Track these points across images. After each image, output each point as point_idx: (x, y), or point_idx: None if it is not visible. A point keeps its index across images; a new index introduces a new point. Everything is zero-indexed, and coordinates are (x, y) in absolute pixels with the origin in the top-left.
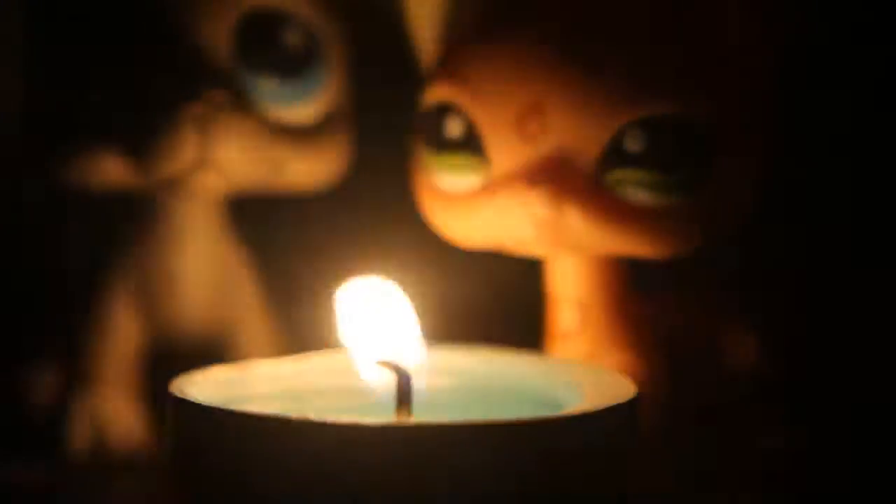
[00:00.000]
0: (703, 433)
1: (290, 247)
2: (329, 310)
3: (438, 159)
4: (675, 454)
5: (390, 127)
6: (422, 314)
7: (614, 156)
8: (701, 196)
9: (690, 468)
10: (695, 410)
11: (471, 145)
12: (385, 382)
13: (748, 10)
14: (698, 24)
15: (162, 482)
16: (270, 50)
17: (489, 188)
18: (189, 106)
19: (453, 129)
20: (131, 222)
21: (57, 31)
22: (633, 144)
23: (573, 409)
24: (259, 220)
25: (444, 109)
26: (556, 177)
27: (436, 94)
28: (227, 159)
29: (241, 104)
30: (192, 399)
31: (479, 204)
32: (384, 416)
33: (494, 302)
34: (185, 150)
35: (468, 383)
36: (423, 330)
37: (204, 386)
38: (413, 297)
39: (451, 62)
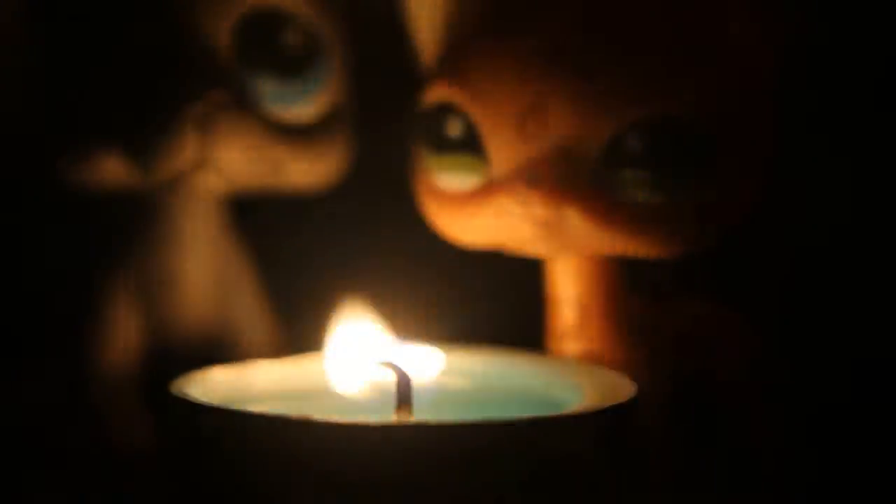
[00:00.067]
0: (702, 433)
1: (290, 247)
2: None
3: (438, 159)
4: (675, 454)
5: (390, 127)
6: (422, 314)
7: (614, 156)
8: (701, 196)
9: (690, 468)
10: (694, 410)
11: (471, 145)
12: (385, 382)
13: (748, 9)
14: (698, 24)
15: (162, 482)
16: (270, 50)
17: (489, 188)
18: (189, 106)
19: (453, 129)
20: (131, 222)
21: (57, 31)
22: (633, 144)
23: (573, 409)
24: (259, 219)
25: (444, 109)
26: (556, 177)
27: (436, 94)
28: (228, 159)
29: (241, 104)
30: (192, 399)
31: (479, 204)
32: (384, 416)
33: (494, 302)
34: (185, 150)
35: (468, 383)
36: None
37: (204, 386)
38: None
39: (451, 62)
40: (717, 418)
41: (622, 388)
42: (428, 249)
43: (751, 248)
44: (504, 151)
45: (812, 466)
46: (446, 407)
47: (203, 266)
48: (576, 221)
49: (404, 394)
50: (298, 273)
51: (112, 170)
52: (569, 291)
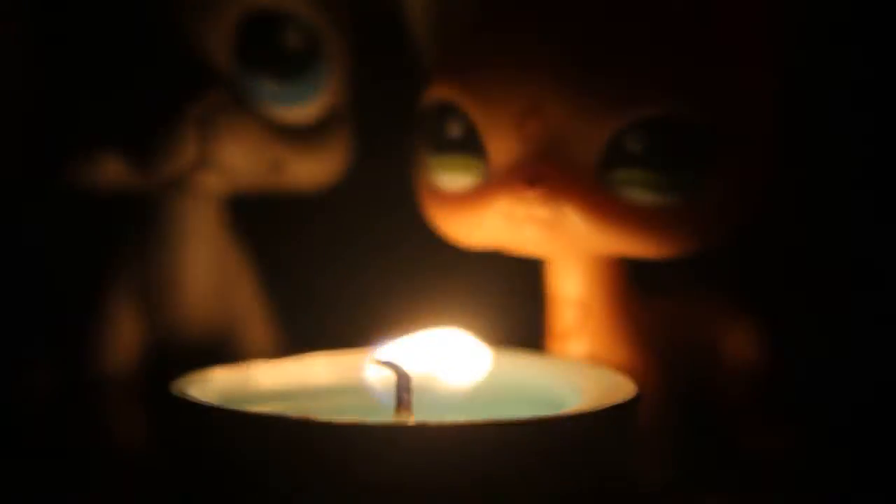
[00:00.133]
0: (702, 433)
1: (291, 246)
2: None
3: (438, 159)
4: (675, 454)
5: (390, 127)
6: (422, 314)
7: (614, 156)
8: (701, 196)
9: (690, 468)
10: (695, 410)
11: (471, 145)
12: (386, 382)
13: (748, 10)
14: (698, 25)
15: (162, 482)
16: (270, 50)
17: (489, 188)
18: (189, 106)
19: (453, 129)
20: (131, 222)
21: (57, 31)
22: (633, 144)
23: (573, 409)
24: (259, 219)
25: (444, 109)
26: (556, 177)
27: (436, 94)
28: (228, 159)
29: (242, 104)
30: (192, 399)
31: (480, 204)
32: (384, 416)
33: (494, 302)
34: (185, 151)
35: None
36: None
37: (204, 386)
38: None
39: (451, 62)
40: (720, 418)
41: (622, 388)
42: (428, 249)
43: (752, 248)
44: (504, 152)
45: (817, 467)
46: (446, 407)
47: (203, 266)
48: (576, 221)
49: (404, 394)
50: (298, 273)
51: (112, 170)
52: (569, 291)
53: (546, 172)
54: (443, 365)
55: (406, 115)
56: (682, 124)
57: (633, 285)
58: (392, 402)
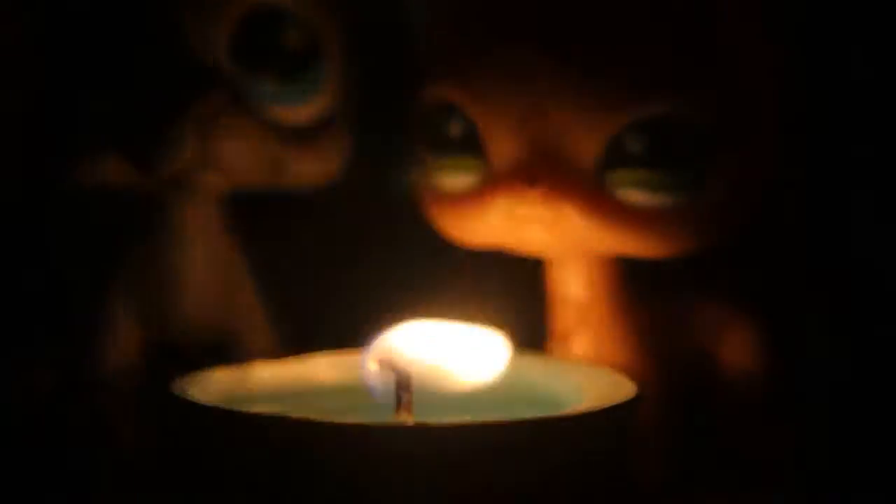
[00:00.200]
0: (702, 433)
1: (291, 246)
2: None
3: (438, 159)
4: (675, 454)
5: (390, 127)
6: (422, 313)
7: (614, 156)
8: (701, 196)
9: (690, 468)
10: (694, 410)
11: (471, 145)
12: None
13: (748, 9)
14: (698, 25)
15: (162, 482)
16: (270, 50)
17: (489, 188)
18: (190, 106)
19: (453, 129)
20: (131, 222)
21: (57, 32)
22: (633, 144)
23: (573, 409)
24: (259, 219)
25: (444, 109)
26: (556, 177)
27: (436, 94)
28: (228, 159)
29: (242, 104)
30: (192, 399)
31: (480, 204)
32: (384, 416)
33: (495, 302)
34: (185, 151)
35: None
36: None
37: (204, 386)
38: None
39: (452, 62)
40: (720, 418)
41: (622, 388)
42: (428, 249)
43: (752, 248)
44: (504, 152)
45: (817, 468)
46: (446, 407)
47: (203, 266)
48: (576, 221)
49: (404, 394)
50: (298, 273)
51: (112, 170)
52: (569, 291)
53: (546, 172)
54: (455, 359)
55: (406, 115)
56: (682, 124)
57: (633, 285)
58: (392, 402)
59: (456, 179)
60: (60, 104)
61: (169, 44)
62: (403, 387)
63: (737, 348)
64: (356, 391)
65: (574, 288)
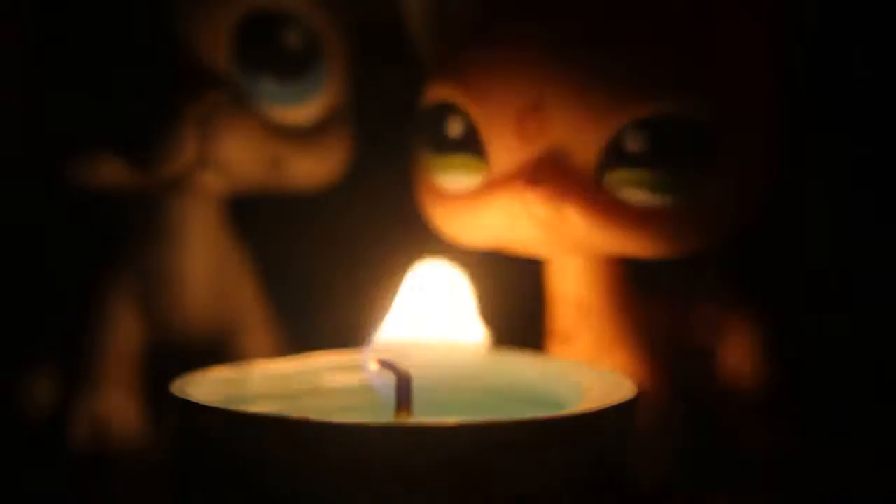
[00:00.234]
0: (702, 433)
1: (291, 246)
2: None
3: (438, 159)
4: (675, 454)
5: (390, 127)
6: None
7: (614, 156)
8: (701, 196)
9: (690, 468)
10: (694, 410)
11: (471, 145)
12: (385, 382)
13: (748, 9)
14: (698, 24)
15: (162, 482)
16: (270, 50)
17: (489, 188)
18: (189, 106)
19: (453, 129)
20: (131, 222)
21: (57, 31)
22: (633, 144)
23: (573, 409)
24: (259, 219)
25: (444, 109)
26: (556, 177)
27: (436, 94)
28: (228, 159)
29: (241, 104)
30: (192, 399)
31: (480, 204)
32: (384, 416)
33: (494, 302)
34: (185, 151)
35: (469, 383)
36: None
37: (204, 386)
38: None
39: (451, 62)
40: (720, 418)
41: (622, 388)
42: (428, 249)
43: (752, 248)
44: (504, 151)
45: (817, 467)
46: (446, 407)
47: (203, 266)
48: (576, 221)
49: (404, 394)
50: (298, 273)
51: (112, 170)
52: (569, 291)
53: (546, 172)
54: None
55: (406, 115)
56: (683, 124)
57: (632, 285)
58: (392, 402)
59: (456, 179)
60: (60, 104)
61: (169, 44)
62: (403, 387)
63: (737, 348)
64: (356, 391)
65: (574, 288)
